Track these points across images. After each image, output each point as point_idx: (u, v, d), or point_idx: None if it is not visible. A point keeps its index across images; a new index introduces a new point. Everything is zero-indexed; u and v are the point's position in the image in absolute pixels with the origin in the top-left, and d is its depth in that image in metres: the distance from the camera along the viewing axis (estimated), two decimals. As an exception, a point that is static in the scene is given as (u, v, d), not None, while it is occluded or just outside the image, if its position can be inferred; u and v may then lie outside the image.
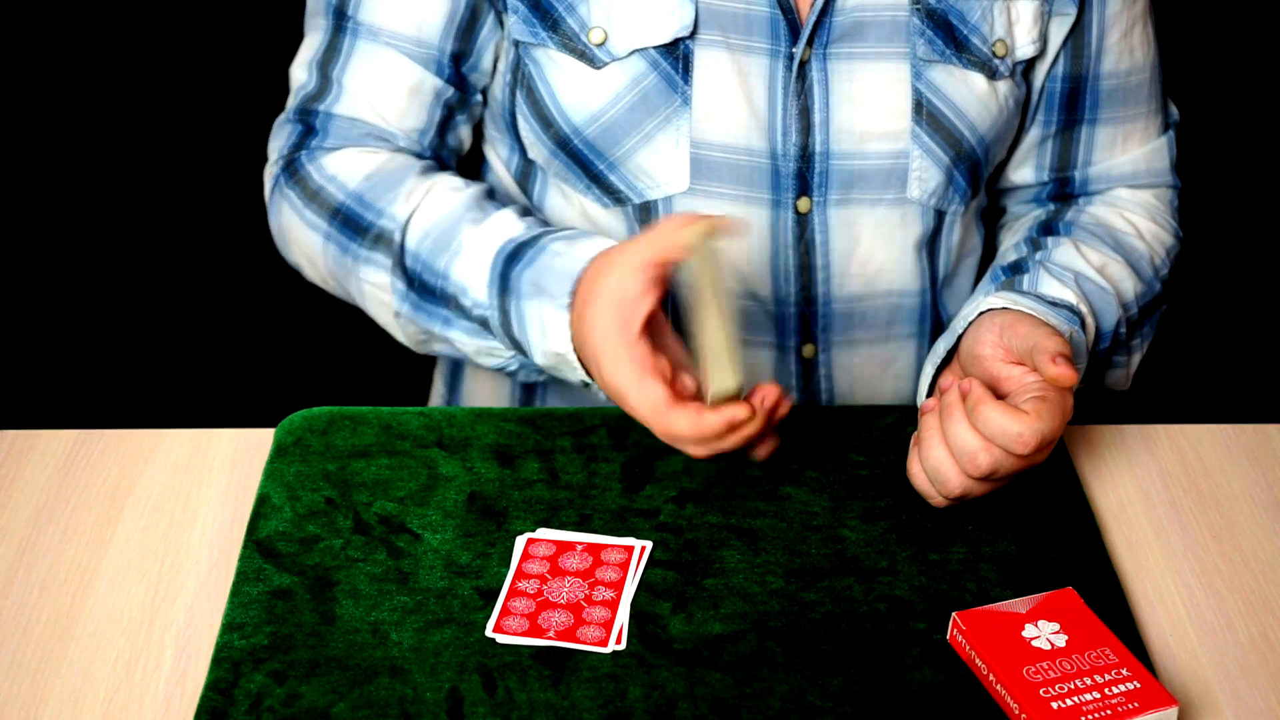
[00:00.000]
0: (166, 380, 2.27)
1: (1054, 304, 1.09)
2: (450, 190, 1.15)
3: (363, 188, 1.15)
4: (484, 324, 1.10)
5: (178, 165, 2.38)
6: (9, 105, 2.39)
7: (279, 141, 1.22)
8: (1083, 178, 1.27)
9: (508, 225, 1.11)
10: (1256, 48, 2.47)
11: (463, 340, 1.12)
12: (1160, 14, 1.26)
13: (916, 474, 1.00)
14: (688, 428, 0.98)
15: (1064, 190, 1.28)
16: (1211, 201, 2.36)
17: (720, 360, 0.98)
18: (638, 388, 0.98)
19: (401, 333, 1.16)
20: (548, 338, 1.05)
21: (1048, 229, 1.23)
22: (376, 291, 1.14)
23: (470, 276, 1.09)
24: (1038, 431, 0.95)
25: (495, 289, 1.08)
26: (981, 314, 1.06)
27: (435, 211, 1.13)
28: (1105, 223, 1.23)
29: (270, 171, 1.22)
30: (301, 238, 1.18)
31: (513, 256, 1.08)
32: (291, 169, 1.19)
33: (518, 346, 1.09)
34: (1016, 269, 1.16)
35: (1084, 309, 1.11)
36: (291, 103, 1.22)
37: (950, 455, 0.98)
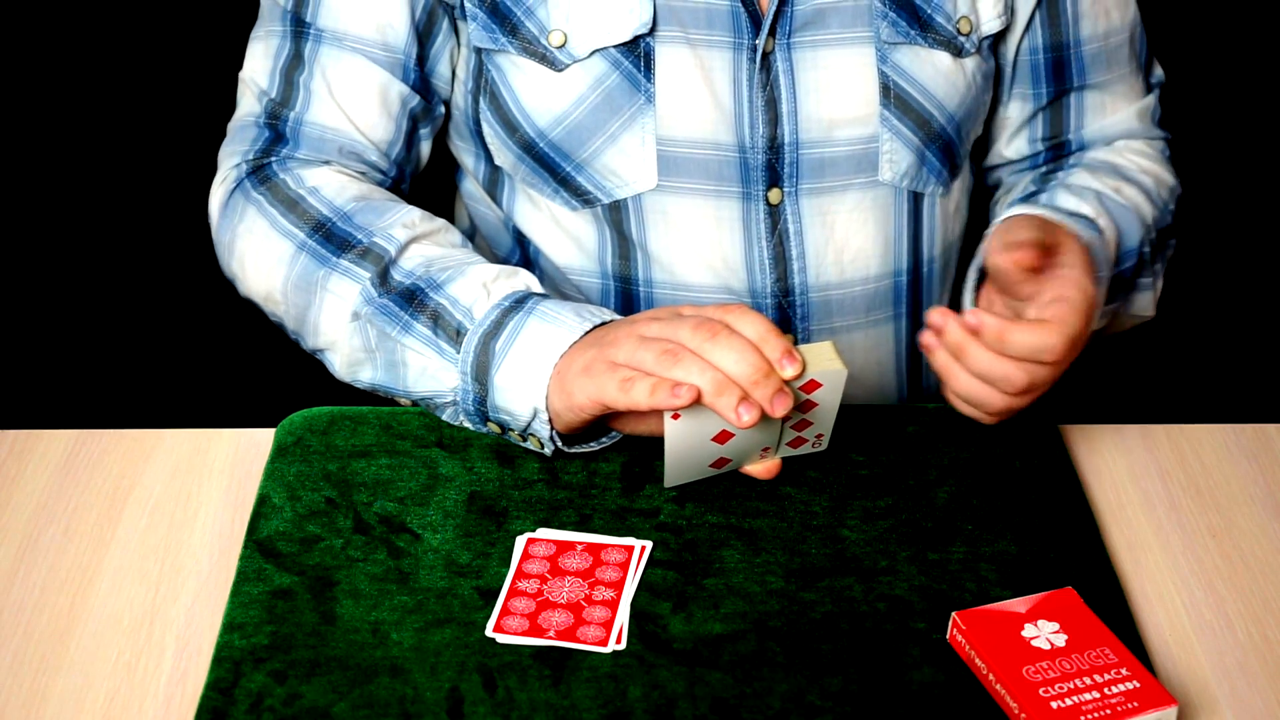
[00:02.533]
0: (166, 380, 2.27)
1: (1072, 214, 1.11)
2: (461, 240, 1.14)
3: (352, 208, 1.12)
4: (457, 334, 1.04)
5: (177, 166, 2.38)
6: (9, 105, 2.39)
7: (240, 145, 1.18)
8: (1078, 141, 1.29)
9: (532, 281, 1.08)
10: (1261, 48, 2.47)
11: (414, 349, 1.05)
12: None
13: (958, 403, 1.02)
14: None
15: (1059, 155, 1.30)
16: (1212, 202, 2.36)
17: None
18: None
19: (346, 343, 1.09)
20: (540, 348, 1.01)
21: (1049, 176, 1.25)
22: (337, 300, 1.09)
23: (470, 294, 1.05)
24: (1066, 337, 0.97)
25: (503, 308, 1.04)
26: (997, 225, 1.07)
27: (443, 247, 1.11)
28: (1108, 161, 1.25)
29: (228, 175, 1.18)
30: (266, 243, 1.13)
31: (535, 296, 1.06)
32: (261, 174, 1.16)
33: (480, 368, 1.03)
34: (1032, 198, 1.18)
35: (1103, 223, 1.12)
36: (251, 107, 1.19)
37: (982, 383, 0.99)
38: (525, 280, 1.08)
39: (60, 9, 2.39)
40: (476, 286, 1.06)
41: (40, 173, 2.41)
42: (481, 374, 1.03)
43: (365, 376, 1.10)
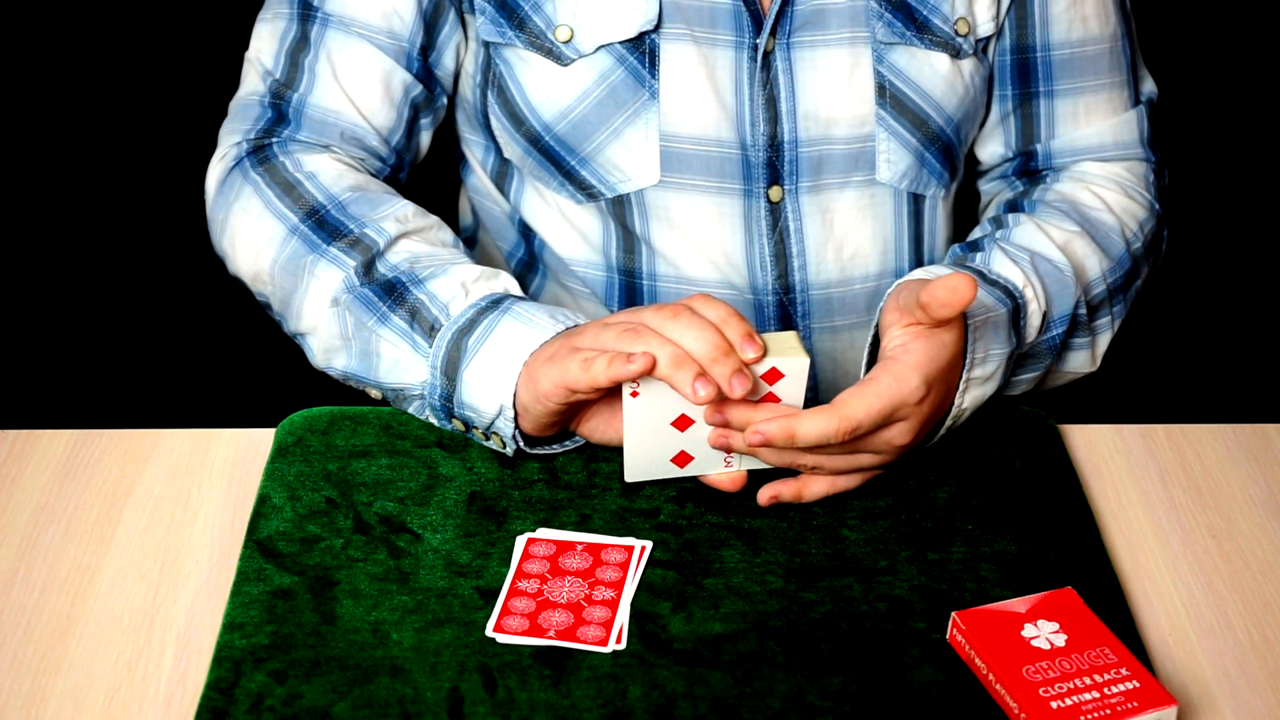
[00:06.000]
0: (166, 380, 2.27)
1: (994, 282, 1.09)
2: (453, 240, 1.14)
3: (347, 197, 1.13)
4: (431, 330, 1.04)
5: (177, 165, 2.38)
6: (9, 105, 2.39)
7: (242, 124, 1.19)
8: (1046, 151, 1.28)
9: (512, 284, 1.08)
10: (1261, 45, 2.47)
11: (388, 340, 1.06)
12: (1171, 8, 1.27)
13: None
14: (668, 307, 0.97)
15: (1029, 165, 1.29)
16: (1211, 202, 2.36)
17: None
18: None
19: (325, 328, 1.10)
20: (511, 346, 1.01)
21: (1014, 207, 1.24)
22: (322, 286, 1.09)
23: (449, 292, 1.06)
24: (846, 416, 0.95)
25: (478, 307, 1.04)
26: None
27: (432, 245, 1.12)
28: (1071, 199, 1.23)
29: (227, 152, 1.19)
30: (259, 224, 1.13)
31: (511, 298, 1.06)
32: (261, 155, 1.17)
33: (450, 364, 1.03)
34: (974, 247, 1.17)
35: (1030, 293, 1.10)
36: (255, 87, 1.20)
37: (834, 478, 1.01)
38: (505, 283, 1.08)
39: (57, 9, 2.39)
40: (455, 285, 1.07)
41: (40, 172, 2.41)
42: (451, 370, 1.03)
43: (339, 364, 1.10)
